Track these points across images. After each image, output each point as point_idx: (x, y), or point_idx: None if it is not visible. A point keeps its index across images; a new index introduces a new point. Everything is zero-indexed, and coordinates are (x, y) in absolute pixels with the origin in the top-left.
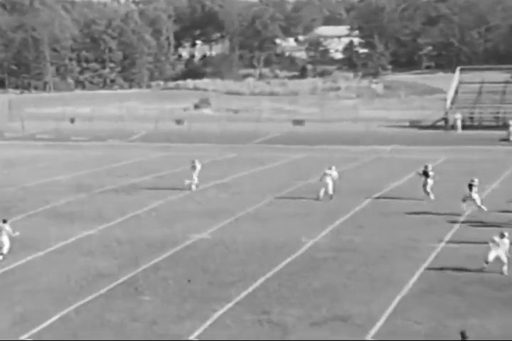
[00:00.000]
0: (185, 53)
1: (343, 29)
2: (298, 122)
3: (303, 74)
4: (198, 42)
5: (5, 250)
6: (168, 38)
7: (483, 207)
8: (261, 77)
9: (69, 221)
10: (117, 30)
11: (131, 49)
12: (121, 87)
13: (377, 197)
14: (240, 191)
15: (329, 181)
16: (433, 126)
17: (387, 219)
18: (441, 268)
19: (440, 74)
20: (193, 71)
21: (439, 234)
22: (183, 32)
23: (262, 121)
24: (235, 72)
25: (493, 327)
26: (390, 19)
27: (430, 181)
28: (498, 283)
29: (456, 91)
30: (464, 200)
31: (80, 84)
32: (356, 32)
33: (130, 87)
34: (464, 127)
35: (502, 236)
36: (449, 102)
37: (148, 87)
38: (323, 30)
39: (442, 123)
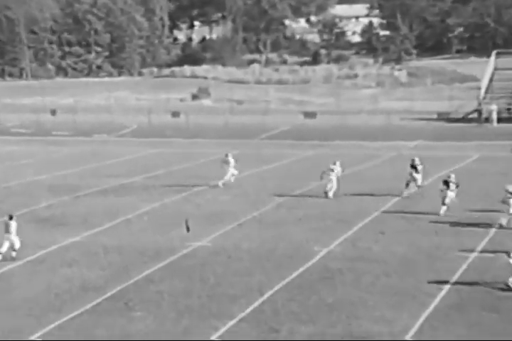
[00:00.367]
0: (181, 36)
1: (361, 8)
2: (309, 114)
3: (315, 59)
4: (197, 23)
5: (17, 246)
6: (162, 19)
7: (444, 208)
8: (268, 63)
9: (51, 226)
10: (104, 9)
11: (119, 31)
12: (109, 75)
13: (399, 200)
14: (244, 192)
15: (333, 177)
16: (464, 119)
17: (411, 224)
18: (474, 282)
19: (473, 59)
20: (190, 56)
21: (471, 241)
22: (179, 12)
23: (269, 114)
24: (238, 57)
25: None
26: None
27: (418, 176)
28: None
29: (491, 79)
30: (503, 202)
31: (61, 70)
32: (376, 11)
33: (119, 74)
34: (499, 120)
35: None
36: (483, 91)
37: (140, 74)
38: (338, 9)
39: (475, 115)
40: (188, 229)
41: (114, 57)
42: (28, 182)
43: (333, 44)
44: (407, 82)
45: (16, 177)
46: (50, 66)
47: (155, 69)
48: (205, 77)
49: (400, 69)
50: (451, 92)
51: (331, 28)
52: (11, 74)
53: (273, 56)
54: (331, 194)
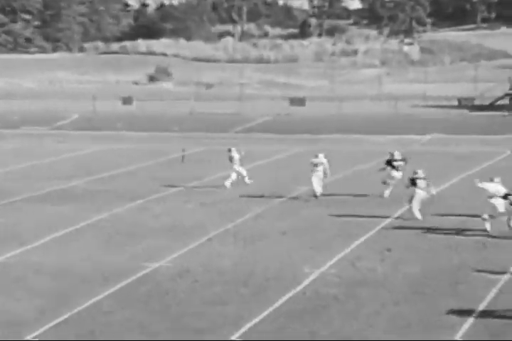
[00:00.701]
0: (133, 1)
1: None
2: (297, 101)
3: (304, 32)
4: None
5: None
6: None
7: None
8: (244, 36)
9: None
10: None
11: None
12: (42, 50)
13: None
14: (216, 199)
15: (321, 173)
16: (493, 106)
17: (424, 238)
18: (506, 311)
19: (503, 29)
20: (145, 27)
21: (501, 259)
22: None
23: (246, 100)
24: (206, 29)
25: None
26: None
27: (397, 174)
28: None
29: None
30: None
31: None
32: None
33: (54, 49)
34: None
35: None
36: None
37: (82, 50)
38: None
39: (506, 101)
40: (182, 159)
41: (48, 27)
42: None
43: (326, 12)
44: (420, 59)
45: None
46: None
47: (100, 44)
48: (165, 54)
49: (410, 44)
50: (476, 72)
51: None
52: None
53: (250, 27)
54: (318, 193)
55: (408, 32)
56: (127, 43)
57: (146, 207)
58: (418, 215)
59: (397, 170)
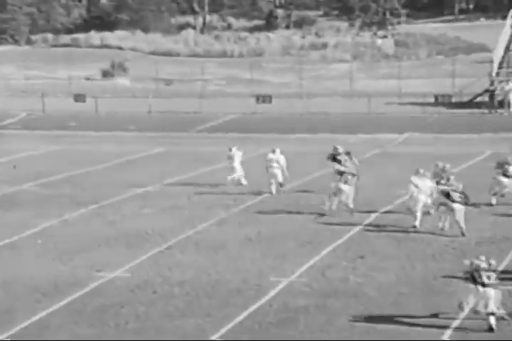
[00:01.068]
0: None
1: None
2: (263, 98)
3: (270, 24)
4: None
5: None
6: None
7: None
8: (206, 28)
9: None
10: None
11: None
12: None
13: (385, 212)
14: (175, 204)
15: (276, 169)
16: (472, 103)
17: (400, 245)
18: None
19: (482, 21)
20: (99, 18)
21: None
22: None
23: (208, 97)
24: (164, 20)
25: None
26: None
27: (341, 168)
28: None
29: (508, 48)
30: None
31: None
32: None
33: None
34: None
35: None
36: (496, 65)
37: (29, 42)
38: None
39: (486, 98)
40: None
41: None
42: None
43: (294, 2)
44: (394, 53)
45: None
46: None
47: (50, 36)
48: (120, 48)
49: (384, 37)
50: (454, 67)
51: None
52: None
53: (213, 19)
54: (274, 190)
55: (381, 24)
56: (79, 35)
57: (100, 212)
58: (332, 207)
59: (342, 164)
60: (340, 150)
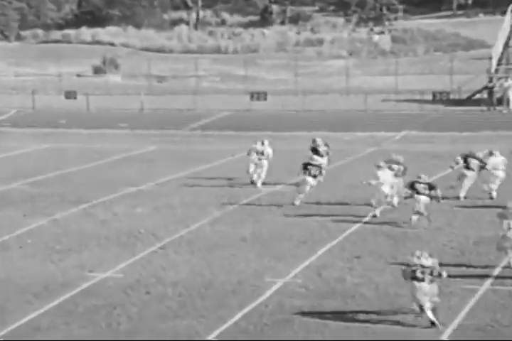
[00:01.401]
0: None
1: None
2: (258, 95)
3: (265, 19)
4: None
5: None
6: None
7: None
8: (200, 24)
9: None
10: None
11: None
12: None
13: (382, 212)
14: (169, 204)
15: (264, 161)
16: (470, 101)
17: (398, 244)
18: (485, 325)
19: (481, 17)
20: (90, 14)
21: (479, 267)
22: None
23: (202, 94)
24: (157, 16)
25: None
26: None
27: (322, 160)
28: None
29: (507, 45)
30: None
31: None
32: None
33: None
34: None
35: None
36: (495, 62)
37: (19, 38)
38: None
39: (485, 95)
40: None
41: None
42: None
43: None
44: (391, 50)
45: None
46: None
47: (40, 32)
48: (112, 44)
49: (381, 33)
50: (452, 64)
51: None
52: None
53: (207, 14)
54: (259, 184)
55: (378, 20)
56: (70, 31)
57: (91, 212)
58: (297, 202)
59: (322, 156)
60: (320, 142)
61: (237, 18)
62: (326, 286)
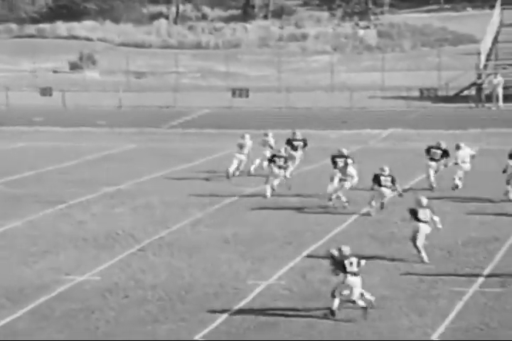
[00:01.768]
0: None
1: None
2: (240, 92)
3: (247, 14)
4: None
5: None
6: None
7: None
8: (179, 18)
9: None
10: None
11: None
12: None
13: (367, 213)
14: (148, 204)
15: (244, 155)
16: (458, 97)
17: (384, 245)
18: (472, 328)
19: (470, 11)
20: (66, 8)
21: (467, 270)
22: None
23: (182, 91)
24: (135, 10)
25: None
26: None
27: (296, 154)
28: None
29: (496, 40)
30: None
31: None
32: None
33: None
34: (507, 98)
35: None
36: (483, 58)
37: None
38: None
39: (473, 92)
40: None
41: None
42: None
43: None
44: (377, 45)
45: None
46: None
47: (14, 27)
48: (89, 39)
49: (366, 27)
50: (440, 59)
51: None
52: None
53: (187, 8)
54: (231, 170)
55: (364, 14)
56: (45, 26)
57: (68, 212)
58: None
59: (296, 149)
60: (299, 136)
61: (218, 12)
62: (311, 288)
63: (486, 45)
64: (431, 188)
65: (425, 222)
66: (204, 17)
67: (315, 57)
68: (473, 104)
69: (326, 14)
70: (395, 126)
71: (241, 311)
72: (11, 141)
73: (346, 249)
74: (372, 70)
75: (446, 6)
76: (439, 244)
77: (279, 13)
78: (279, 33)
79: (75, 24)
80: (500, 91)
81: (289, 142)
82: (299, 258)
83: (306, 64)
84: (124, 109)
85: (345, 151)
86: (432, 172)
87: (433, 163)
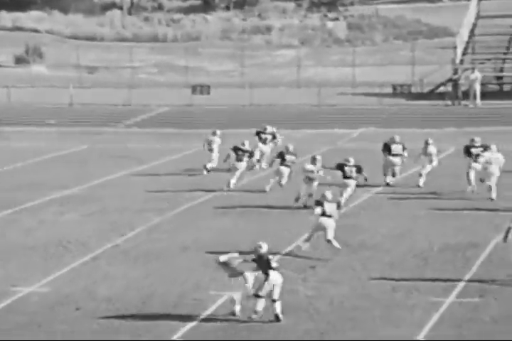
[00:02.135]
0: None
1: None
2: (200, 88)
3: (208, 4)
4: None
5: None
6: None
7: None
8: (134, 8)
9: None
10: None
11: None
12: None
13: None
14: (101, 209)
15: (215, 149)
16: (433, 94)
17: (356, 253)
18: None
19: (445, 2)
20: None
21: (443, 279)
22: None
23: (138, 87)
24: None
25: None
26: None
27: (264, 147)
28: None
29: (473, 32)
30: None
31: None
32: None
33: None
34: (485, 95)
35: None
36: (459, 52)
37: None
38: None
39: (449, 88)
40: None
41: None
42: None
43: None
44: (347, 38)
45: None
46: None
47: None
48: (36, 30)
49: (335, 19)
50: (413, 53)
51: None
52: None
53: None
54: (209, 165)
55: (332, 5)
56: None
57: (15, 218)
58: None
59: (264, 143)
60: (269, 130)
61: (177, 2)
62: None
63: (462, 39)
64: (388, 184)
65: (329, 216)
66: (161, 7)
67: (280, 50)
68: (449, 102)
69: (291, 5)
70: (366, 124)
71: (203, 324)
72: None
73: (265, 246)
74: (342, 65)
75: None
76: (413, 251)
77: (242, 3)
78: (242, 25)
79: (20, 14)
80: (477, 88)
81: (258, 134)
82: None
83: (271, 58)
84: (75, 107)
85: (352, 160)
86: (396, 169)
87: (393, 159)
